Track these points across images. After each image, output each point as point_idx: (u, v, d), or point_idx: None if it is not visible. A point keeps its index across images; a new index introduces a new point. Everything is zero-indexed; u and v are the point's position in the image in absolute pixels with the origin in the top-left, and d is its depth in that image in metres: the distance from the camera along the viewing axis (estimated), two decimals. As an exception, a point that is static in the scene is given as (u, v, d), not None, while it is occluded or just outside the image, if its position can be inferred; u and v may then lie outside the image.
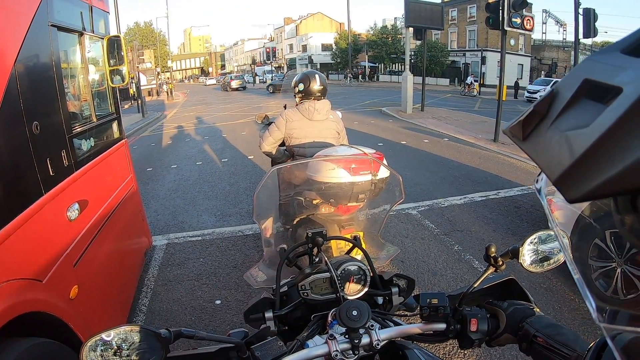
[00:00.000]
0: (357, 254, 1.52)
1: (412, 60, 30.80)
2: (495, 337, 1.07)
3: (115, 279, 3.17)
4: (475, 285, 1.13)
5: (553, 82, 29.58)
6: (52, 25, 2.44)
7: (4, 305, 1.67)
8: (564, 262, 1.13)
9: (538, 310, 1.07)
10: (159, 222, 5.72)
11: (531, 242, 1.13)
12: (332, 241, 1.89)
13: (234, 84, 41.29)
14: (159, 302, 3.72)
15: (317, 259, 1.37)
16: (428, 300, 1.08)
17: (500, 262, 1.11)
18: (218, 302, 3.69)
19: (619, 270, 3.49)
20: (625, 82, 0.33)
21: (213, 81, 64.08)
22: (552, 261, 1.14)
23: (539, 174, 0.52)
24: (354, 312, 1.03)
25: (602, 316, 0.45)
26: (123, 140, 3.80)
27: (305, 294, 1.27)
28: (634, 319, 0.45)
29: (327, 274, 1.29)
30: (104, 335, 0.87)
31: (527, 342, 0.98)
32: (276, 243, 2.11)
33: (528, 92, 28.69)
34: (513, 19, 10.27)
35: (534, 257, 1.13)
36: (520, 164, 8.77)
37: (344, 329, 1.05)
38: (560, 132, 0.38)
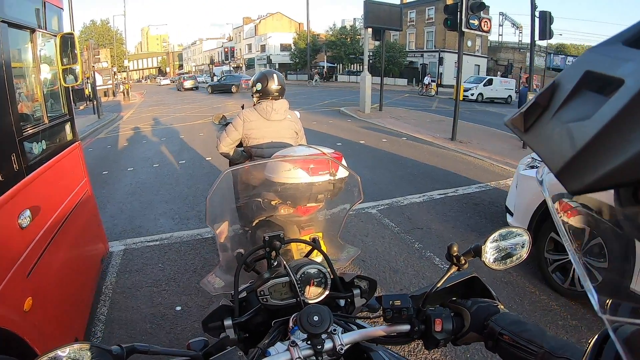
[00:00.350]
0: (317, 256, 1.50)
1: (371, 61, 31.11)
2: (460, 336, 1.07)
3: (71, 288, 3.05)
4: (438, 285, 1.12)
5: (486, 79, 30.16)
6: (2, 21, 2.32)
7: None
8: (526, 258, 1.14)
9: (502, 307, 1.08)
10: (115, 227, 5.54)
11: (493, 240, 1.12)
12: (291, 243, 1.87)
13: (187, 84, 42.25)
14: (118, 311, 3.60)
15: (275, 263, 1.33)
16: (390, 302, 1.08)
17: (463, 261, 1.10)
18: (178, 308, 3.61)
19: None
20: (626, 74, 0.33)
21: (167, 81, 64.14)
22: (514, 258, 1.14)
23: (541, 166, 0.52)
24: (315, 318, 1.02)
25: (604, 308, 0.46)
26: (76, 143, 3.66)
27: (265, 300, 1.23)
28: (636, 312, 0.46)
29: (286, 279, 1.25)
30: (55, 353, 0.82)
31: (493, 340, 0.99)
32: (233, 247, 2.04)
33: None
34: (471, 21, 10.53)
35: (497, 254, 1.13)
36: (477, 161, 9.03)
37: (305, 335, 1.03)
38: (562, 124, 0.38)
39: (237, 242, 2.31)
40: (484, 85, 29.79)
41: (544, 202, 3.92)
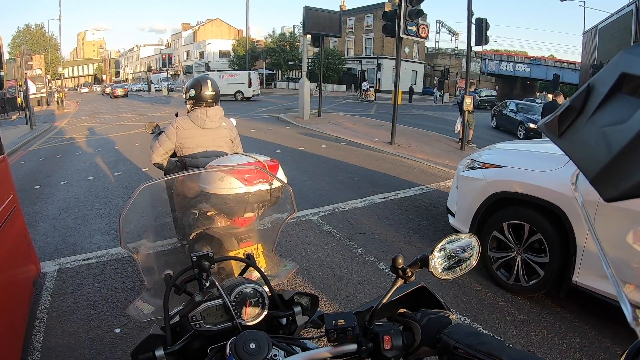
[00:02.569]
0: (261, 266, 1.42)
1: (310, 67, 31.31)
2: (412, 352, 1.00)
3: (1, 315, 2.84)
4: (384, 301, 1.05)
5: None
6: None
7: None
8: (476, 265, 1.11)
9: (454, 317, 1.02)
10: (48, 245, 5.19)
11: (441, 249, 1.07)
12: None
13: (108, 90, 48.40)
14: (55, 337, 3.35)
15: (207, 284, 1.23)
16: (334, 322, 1.00)
17: (409, 273, 1.04)
18: (117, 330, 3.40)
19: (518, 259, 3.71)
20: None
21: (86, 90, 68.46)
22: (464, 266, 1.09)
23: (575, 172, 0.50)
24: (252, 345, 0.95)
25: (637, 320, 0.44)
26: (2, 156, 3.43)
27: (197, 326, 1.12)
28: None
29: (219, 301, 1.15)
30: None
31: (448, 354, 0.92)
32: (159, 267, 1.88)
33: None
34: (409, 27, 10.82)
35: (445, 263, 1.07)
36: (416, 164, 9.26)
37: None
38: (597, 128, 0.37)
39: (164, 261, 2.16)
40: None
41: (485, 202, 4.03)
